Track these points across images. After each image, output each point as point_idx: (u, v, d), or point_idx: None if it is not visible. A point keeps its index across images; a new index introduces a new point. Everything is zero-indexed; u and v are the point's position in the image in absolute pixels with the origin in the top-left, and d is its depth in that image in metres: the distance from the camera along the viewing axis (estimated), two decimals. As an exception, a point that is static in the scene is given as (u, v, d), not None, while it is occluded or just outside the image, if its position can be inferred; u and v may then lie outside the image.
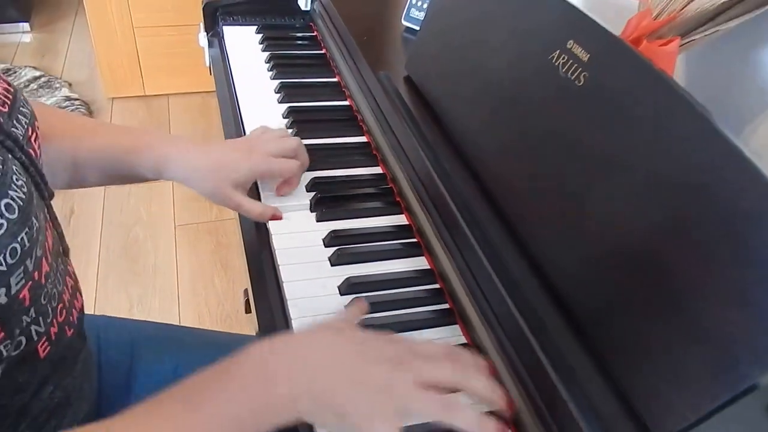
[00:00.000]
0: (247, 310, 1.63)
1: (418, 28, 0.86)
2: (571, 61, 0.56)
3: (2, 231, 0.43)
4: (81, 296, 0.60)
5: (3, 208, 0.43)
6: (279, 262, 0.66)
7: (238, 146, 0.72)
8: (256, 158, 0.70)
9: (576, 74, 0.55)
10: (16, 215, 0.44)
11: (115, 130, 0.73)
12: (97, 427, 0.43)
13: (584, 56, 0.55)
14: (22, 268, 0.45)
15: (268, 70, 0.99)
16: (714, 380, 0.40)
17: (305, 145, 0.77)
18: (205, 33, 1.11)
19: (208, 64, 1.10)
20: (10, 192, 0.44)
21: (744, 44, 0.63)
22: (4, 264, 0.43)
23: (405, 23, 0.97)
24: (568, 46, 0.56)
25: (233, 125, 0.88)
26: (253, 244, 0.71)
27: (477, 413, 0.46)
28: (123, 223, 1.92)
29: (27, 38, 2.75)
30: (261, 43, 1.06)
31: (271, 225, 0.70)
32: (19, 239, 0.44)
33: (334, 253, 0.67)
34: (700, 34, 0.58)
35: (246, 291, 1.64)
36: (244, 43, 1.06)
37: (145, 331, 0.78)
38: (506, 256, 0.57)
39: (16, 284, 0.44)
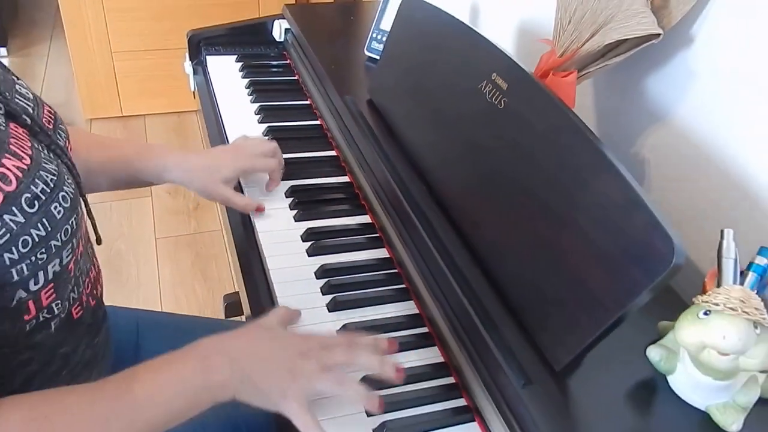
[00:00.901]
0: (227, 316, 1.75)
1: (378, 57, 1.02)
2: (494, 89, 0.72)
3: (60, 216, 0.57)
4: (101, 276, 0.73)
5: (60, 199, 0.57)
6: (265, 254, 0.80)
7: (226, 149, 0.87)
8: (241, 158, 0.85)
9: (498, 99, 0.71)
10: (68, 204, 0.58)
11: (121, 143, 0.87)
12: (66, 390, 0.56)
13: (504, 85, 0.71)
14: (71, 245, 0.59)
15: (248, 95, 1.13)
16: (588, 318, 0.55)
17: (289, 161, 0.92)
18: (190, 62, 1.24)
19: (193, 89, 1.23)
20: (65, 187, 0.58)
21: (627, 74, 0.80)
22: (60, 240, 0.57)
23: (367, 53, 1.13)
24: (492, 78, 0.72)
25: (219, 143, 1.02)
26: (242, 241, 0.85)
27: (363, 388, 0.60)
28: (106, 237, 2.01)
29: (5, 62, 2.83)
30: (241, 70, 1.20)
31: (257, 224, 0.84)
32: (70, 222, 0.58)
33: (310, 246, 0.81)
34: (593, 67, 0.75)
35: (225, 297, 1.77)
36: (225, 71, 1.20)
37: (149, 316, 0.91)
38: (447, 242, 0.72)
39: (66, 257, 0.59)
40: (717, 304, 0.50)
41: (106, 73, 2.37)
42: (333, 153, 1.01)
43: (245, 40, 1.27)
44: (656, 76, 0.79)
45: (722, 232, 0.58)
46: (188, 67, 1.25)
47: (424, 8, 0.89)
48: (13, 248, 0.53)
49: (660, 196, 0.79)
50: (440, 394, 0.66)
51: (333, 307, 0.74)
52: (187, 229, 2.08)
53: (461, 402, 0.65)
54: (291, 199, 0.90)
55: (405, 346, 0.69)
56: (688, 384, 0.56)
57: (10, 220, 0.53)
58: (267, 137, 1.01)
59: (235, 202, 0.85)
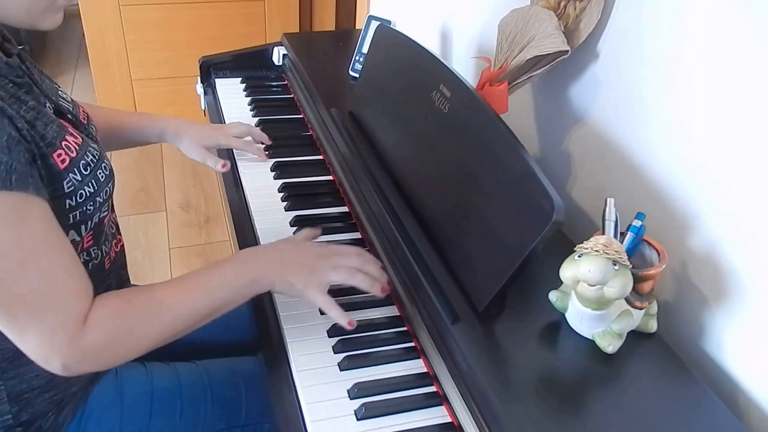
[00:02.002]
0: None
1: (358, 76, 1.20)
2: (441, 97, 0.89)
3: (102, 180, 0.77)
4: (125, 249, 0.91)
5: (103, 167, 0.78)
6: (261, 242, 0.97)
7: (212, 127, 1.16)
8: (220, 135, 1.13)
9: (444, 105, 0.89)
10: (108, 172, 0.79)
11: (130, 113, 1.12)
12: (146, 287, 0.75)
13: (448, 94, 0.88)
14: (107, 204, 0.79)
15: (251, 110, 1.32)
16: (499, 266, 0.72)
17: (282, 163, 1.13)
18: (201, 84, 1.44)
19: (203, 107, 1.43)
20: (105, 160, 0.79)
21: (553, 84, 0.98)
22: (102, 198, 0.77)
23: (351, 73, 1.31)
24: (440, 88, 0.90)
25: (225, 151, 1.21)
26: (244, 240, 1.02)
27: (369, 278, 0.80)
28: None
29: (33, 90, 3.07)
30: (245, 90, 1.39)
31: (257, 223, 1.01)
32: (108, 185, 0.79)
33: (295, 219, 0.99)
34: (522, 78, 0.92)
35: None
36: (231, 91, 1.39)
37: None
38: (402, 216, 0.89)
39: (103, 213, 0.79)
40: (586, 248, 0.67)
41: (126, 99, 2.59)
42: (320, 157, 1.19)
43: (249, 64, 1.47)
44: (574, 84, 0.96)
45: (606, 200, 0.75)
46: (199, 88, 1.44)
47: (392, 35, 1.07)
48: (74, 197, 0.73)
49: (579, 175, 0.96)
50: (395, 338, 0.82)
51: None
52: (198, 240, 2.26)
53: (411, 344, 0.82)
54: (283, 193, 1.07)
55: (369, 304, 0.86)
56: (577, 317, 0.73)
57: (73, 177, 0.73)
58: (263, 145, 1.20)
59: (209, 161, 1.11)
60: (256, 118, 1.29)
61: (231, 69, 1.45)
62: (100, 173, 0.77)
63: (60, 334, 0.67)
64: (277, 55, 1.46)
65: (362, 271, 0.81)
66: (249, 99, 1.35)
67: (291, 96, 1.39)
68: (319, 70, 1.34)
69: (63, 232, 0.70)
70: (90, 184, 0.75)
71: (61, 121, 0.77)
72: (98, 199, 0.77)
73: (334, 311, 0.77)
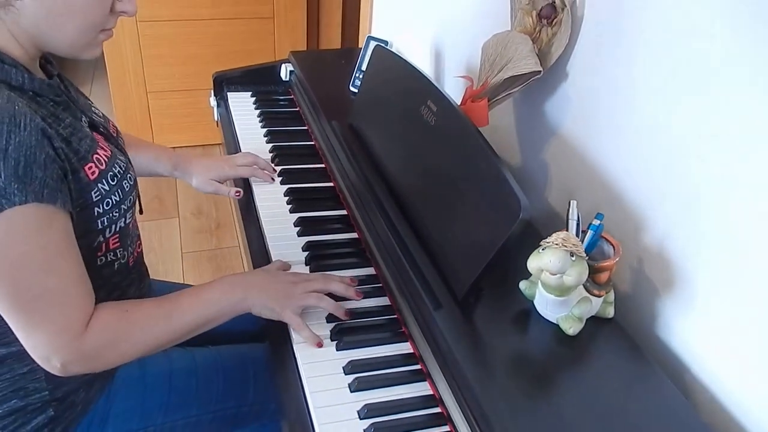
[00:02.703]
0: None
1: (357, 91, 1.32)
2: (429, 111, 1.01)
3: (127, 189, 0.87)
4: (142, 247, 1.02)
5: (128, 178, 0.88)
6: (269, 241, 1.09)
7: (219, 158, 1.24)
8: (226, 167, 1.22)
9: (431, 118, 1.00)
10: (132, 182, 0.89)
11: (149, 145, 1.22)
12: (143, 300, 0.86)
13: (434, 108, 0.99)
14: (131, 210, 0.89)
15: (259, 122, 1.44)
16: (474, 259, 0.83)
17: (287, 170, 1.23)
18: (215, 97, 1.56)
19: (216, 119, 1.55)
20: (130, 172, 0.89)
21: (530, 101, 1.09)
22: (126, 205, 0.87)
23: (351, 89, 1.43)
24: (428, 103, 1.01)
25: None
26: (257, 251, 1.12)
27: (333, 302, 0.91)
28: (139, 250, 2.33)
29: (52, 102, 3.20)
30: (254, 103, 1.51)
31: (266, 231, 1.12)
32: (132, 194, 0.89)
33: (299, 230, 1.10)
34: (501, 95, 1.03)
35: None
36: (242, 104, 1.51)
37: (177, 287, 1.20)
38: (392, 213, 1.00)
39: (128, 218, 0.89)
40: (548, 242, 0.77)
41: (141, 110, 2.72)
42: (322, 165, 1.30)
43: (258, 79, 1.59)
44: (547, 100, 1.07)
45: (569, 202, 0.85)
46: (213, 101, 1.56)
47: (388, 56, 1.19)
48: (101, 205, 0.84)
49: (552, 181, 1.07)
50: (386, 325, 0.93)
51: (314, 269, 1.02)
52: (209, 246, 2.38)
53: (400, 330, 0.92)
54: (288, 197, 1.19)
55: (365, 295, 0.97)
56: (543, 303, 0.83)
57: (101, 187, 0.83)
58: (272, 155, 1.31)
59: (222, 191, 1.21)
60: (264, 129, 1.41)
61: (242, 84, 1.57)
62: (125, 183, 0.88)
63: (64, 335, 0.77)
64: (285, 72, 1.57)
65: (327, 292, 0.92)
66: (258, 111, 1.47)
67: (297, 109, 1.50)
68: (323, 86, 1.45)
69: (76, 243, 0.79)
70: (116, 193, 0.85)
71: (94, 134, 0.88)
72: (123, 206, 0.87)
73: (304, 332, 0.88)
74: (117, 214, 0.86)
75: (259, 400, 1.05)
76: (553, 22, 0.98)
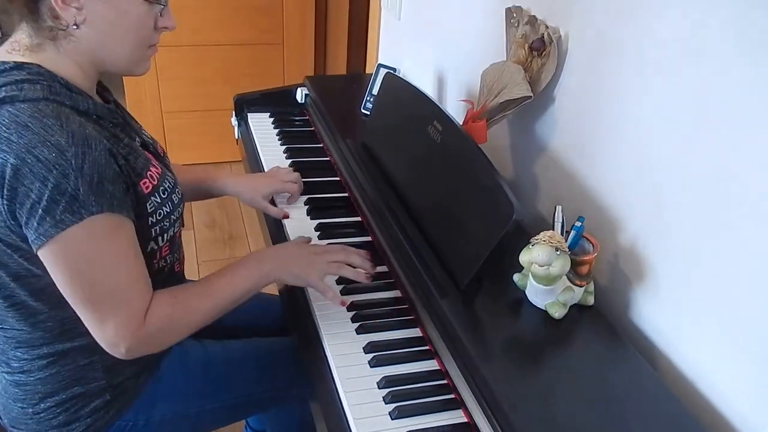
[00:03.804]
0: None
1: (369, 113, 1.47)
2: (435, 130, 1.16)
3: (176, 202, 1.01)
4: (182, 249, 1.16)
5: (177, 192, 1.02)
6: (289, 233, 1.23)
7: (265, 175, 1.35)
8: (275, 182, 1.31)
9: (437, 136, 1.15)
10: (180, 196, 1.03)
11: (197, 169, 1.32)
12: (188, 284, 1.01)
13: (440, 127, 1.15)
14: (178, 221, 1.03)
15: (278, 140, 1.59)
16: (473, 254, 0.97)
17: (306, 182, 1.37)
18: (236, 117, 1.71)
19: (237, 136, 1.70)
20: (177, 188, 1.03)
21: (523, 121, 1.24)
22: (175, 217, 1.01)
23: (363, 111, 1.59)
24: (434, 123, 1.17)
25: (257, 170, 1.47)
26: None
27: (353, 270, 1.05)
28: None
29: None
30: (273, 123, 1.66)
31: (288, 229, 1.27)
32: (180, 207, 1.03)
33: (318, 225, 1.25)
34: (498, 116, 1.19)
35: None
36: (261, 124, 1.67)
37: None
38: (401, 217, 1.15)
39: (175, 229, 1.03)
40: (537, 239, 0.92)
41: (156, 129, 2.87)
42: (337, 178, 1.45)
43: (276, 101, 1.74)
44: (537, 121, 1.23)
45: (555, 207, 1.01)
46: (234, 121, 1.71)
47: (397, 81, 1.35)
48: (155, 215, 0.97)
49: (542, 190, 1.23)
50: (398, 314, 1.07)
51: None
52: (223, 255, 2.52)
53: (411, 317, 1.07)
54: (307, 206, 1.34)
55: (378, 288, 1.11)
56: (533, 292, 0.98)
57: (154, 200, 0.96)
58: (291, 168, 1.46)
59: (270, 210, 1.31)
60: (284, 146, 1.56)
61: (261, 105, 1.73)
62: (174, 197, 1.01)
63: (130, 324, 0.89)
64: (300, 94, 1.73)
65: (348, 263, 1.05)
66: (277, 131, 1.63)
67: (312, 129, 1.66)
68: (336, 108, 1.61)
69: (139, 246, 0.92)
70: (167, 205, 0.99)
71: (146, 153, 1.01)
72: (173, 216, 1.01)
73: (328, 293, 1.02)
74: (167, 224, 1.00)
75: (283, 386, 1.18)
76: (543, 54, 1.14)
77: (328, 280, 1.07)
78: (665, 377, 0.96)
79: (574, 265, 0.96)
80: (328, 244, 1.16)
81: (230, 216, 2.71)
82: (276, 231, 1.29)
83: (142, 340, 0.92)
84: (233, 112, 1.73)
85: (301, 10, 2.86)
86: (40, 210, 0.80)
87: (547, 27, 1.13)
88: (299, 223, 1.29)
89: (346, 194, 1.40)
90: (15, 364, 0.98)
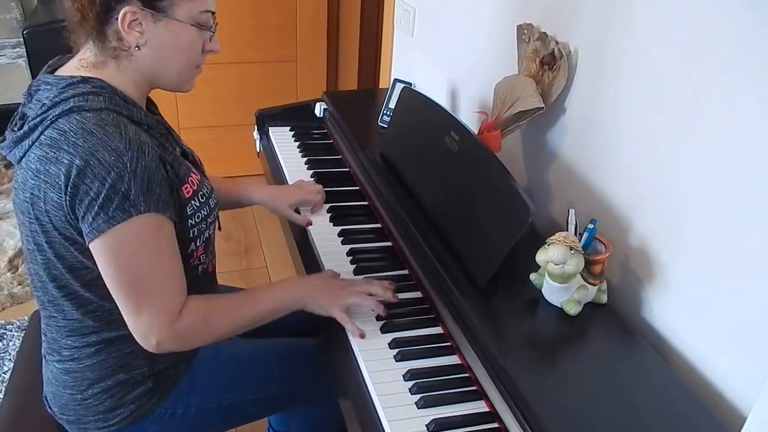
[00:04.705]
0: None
1: (387, 126, 1.54)
2: (452, 140, 1.23)
3: (212, 206, 1.08)
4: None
5: (214, 197, 1.09)
6: (318, 249, 1.29)
7: (292, 186, 1.42)
8: (301, 193, 1.39)
9: (454, 146, 1.22)
10: (216, 201, 1.10)
11: (227, 180, 1.39)
12: (222, 295, 1.07)
13: (456, 137, 1.22)
14: (214, 224, 1.10)
15: (299, 152, 1.66)
16: (492, 255, 1.03)
17: (327, 191, 1.44)
18: (257, 131, 1.78)
19: (259, 150, 1.77)
20: (213, 194, 1.10)
21: (535, 131, 1.31)
22: (211, 219, 1.08)
23: (380, 124, 1.66)
24: (451, 133, 1.23)
25: (280, 182, 1.54)
26: (309, 259, 1.34)
27: (375, 301, 1.09)
28: (174, 272, 2.53)
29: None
30: (293, 137, 1.73)
31: (313, 236, 1.33)
32: (216, 211, 1.10)
33: (344, 239, 1.31)
34: (511, 127, 1.26)
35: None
36: (282, 138, 1.74)
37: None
38: (421, 222, 1.21)
39: (211, 231, 1.10)
40: (552, 240, 0.99)
41: (173, 146, 2.95)
42: (356, 187, 1.52)
43: (295, 116, 1.81)
44: (549, 131, 1.29)
45: (569, 210, 1.07)
46: (255, 135, 1.79)
47: (414, 95, 1.42)
48: (194, 218, 1.04)
49: (554, 196, 1.29)
50: (420, 313, 1.13)
51: (357, 271, 1.22)
52: (240, 267, 2.58)
53: (432, 316, 1.13)
54: (330, 214, 1.40)
55: (402, 290, 1.17)
56: (549, 290, 1.04)
57: (193, 204, 1.04)
58: (313, 179, 1.53)
59: (295, 218, 1.38)
60: (305, 158, 1.63)
61: (282, 119, 1.80)
62: (211, 201, 1.09)
63: (164, 316, 0.96)
64: (319, 109, 1.80)
65: (370, 293, 1.10)
66: (297, 143, 1.70)
67: (330, 141, 1.73)
68: (353, 121, 1.68)
69: (178, 246, 1.00)
70: (204, 209, 1.06)
71: (185, 161, 1.09)
72: (209, 220, 1.08)
73: (348, 325, 1.08)
74: (204, 227, 1.07)
75: (308, 384, 1.24)
76: (553, 68, 1.21)
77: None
78: (675, 366, 1.01)
79: (588, 264, 1.02)
80: (356, 266, 1.24)
81: (245, 229, 2.77)
82: (301, 238, 1.36)
83: (173, 335, 0.99)
84: (255, 127, 1.80)
85: (314, 28, 2.95)
86: (96, 206, 0.89)
87: (557, 42, 1.20)
88: (323, 230, 1.35)
89: (366, 202, 1.46)
90: (66, 353, 1.05)
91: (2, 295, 2.28)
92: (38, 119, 0.92)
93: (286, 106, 1.84)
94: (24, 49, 2.87)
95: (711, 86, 0.91)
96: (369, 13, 2.85)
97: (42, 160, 0.91)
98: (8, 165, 3.10)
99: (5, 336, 2.10)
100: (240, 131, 2.83)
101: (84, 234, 0.92)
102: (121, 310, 0.97)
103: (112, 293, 0.96)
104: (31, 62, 2.87)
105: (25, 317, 2.17)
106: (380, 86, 2.29)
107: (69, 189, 0.89)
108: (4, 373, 1.97)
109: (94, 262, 0.95)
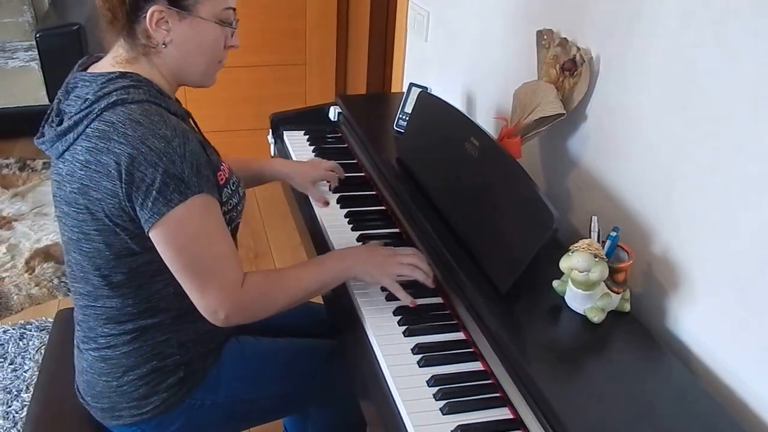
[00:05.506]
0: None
1: (402, 131, 1.55)
2: (472, 145, 1.23)
3: (242, 194, 1.11)
4: None
5: (241, 185, 1.11)
6: (333, 244, 1.29)
7: (309, 163, 1.49)
8: (319, 169, 1.45)
9: (474, 152, 1.22)
10: (243, 191, 1.12)
11: (250, 159, 1.43)
12: (278, 269, 1.10)
13: (477, 143, 1.22)
14: (241, 213, 1.12)
15: (314, 156, 1.66)
16: (516, 262, 1.03)
17: (344, 196, 1.46)
18: (272, 135, 1.78)
19: (273, 153, 1.77)
20: (241, 182, 1.11)
21: (554, 138, 1.31)
22: (241, 207, 1.10)
23: (395, 128, 1.66)
24: (471, 139, 1.23)
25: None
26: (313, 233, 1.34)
27: (423, 273, 1.13)
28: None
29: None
30: (308, 141, 1.73)
31: (330, 233, 1.34)
32: (244, 199, 1.12)
33: (359, 236, 1.31)
34: (531, 134, 1.26)
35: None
36: (297, 141, 1.74)
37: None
38: (435, 225, 1.21)
39: (239, 218, 1.12)
40: (576, 247, 0.98)
41: (183, 148, 2.95)
42: (373, 192, 1.52)
43: (309, 119, 1.81)
44: (569, 137, 1.29)
45: (591, 217, 1.07)
46: (270, 138, 1.79)
47: (432, 99, 1.42)
48: (228, 204, 1.06)
49: (574, 203, 1.29)
50: (442, 318, 1.13)
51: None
52: (248, 268, 2.57)
53: (454, 322, 1.12)
54: (347, 218, 1.40)
55: (422, 294, 1.16)
56: (572, 297, 1.03)
57: (226, 191, 1.06)
58: (328, 184, 1.53)
59: (313, 194, 1.45)
60: (320, 163, 1.63)
61: (296, 123, 1.80)
62: (240, 189, 1.12)
63: (229, 290, 1.00)
64: (333, 113, 1.80)
65: (418, 267, 1.13)
66: (312, 147, 1.70)
67: (345, 145, 1.73)
68: (367, 125, 1.68)
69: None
70: (235, 196, 1.09)
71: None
72: (239, 207, 1.11)
73: (400, 293, 1.10)
74: (235, 214, 1.10)
75: (327, 383, 1.26)
76: (574, 74, 1.21)
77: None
78: (700, 377, 1.01)
79: (611, 272, 1.02)
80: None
81: (255, 235, 2.77)
82: (319, 243, 1.36)
83: (239, 308, 1.02)
84: (269, 131, 1.80)
85: (323, 32, 2.95)
86: (154, 192, 0.93)
87: (578, 48, 1.20)
88: (342, 234, 1.35)
89: (383, 207, 1.46)
90: (102, 340, 1.08)
91: (21, 296, 2.29)
92: (82, 113, 0.96)
93: (299, 110, 1.84)
94: (36, 52, 2.88)
95: (736, 93, 0.91)
96: (378, 16, 2.85)
97: (91, 152, 0.94)
98: (22, 167, 3.10)
99: (25, 336, 2.13)
100: (250, 135, 2.84)
101: (143, 221, 0.96)
102: (186, 289, 1.00)
103: (176, 275, 0.99)
104: (44, 65, 2.88)
105: (44, 317, 2.22)
106: (391, 90, 2.29)
107: (124, 177, 0.93)
108: (25, 372, 2.01)
109: (144, 248, 0.99)
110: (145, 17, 0.97)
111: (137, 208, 0.95)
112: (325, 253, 1.16)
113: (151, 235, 0.97)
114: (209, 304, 1.00)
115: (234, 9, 1.07)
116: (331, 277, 1.11)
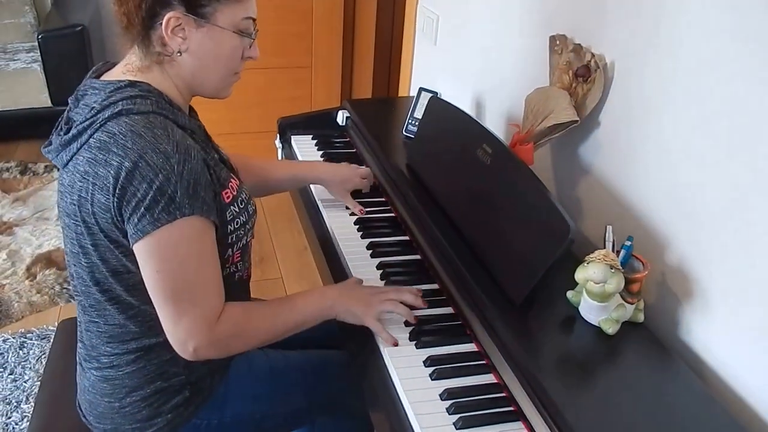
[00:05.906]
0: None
1: (412, 136, 1.53)
2: (484, 152, 1.21)
3: (251, 212, 1.08)
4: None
5: (251, 204, 1.08)
6: (348, 262, 1.28)
7: (345, 168, 1.45)
8: (355, 177, 1.43)
9: (486, 158, 1.20)
10: (254, 208, 1.09)
11: (292, 163, 1.45)
12: (257, 303, 1.06)
13: (489, 150, 1.20)
14: (251, 231, 1.09)
15: (322, 161, 1.64)
16: (530, 273, 1.02)
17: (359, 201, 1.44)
18: (280, 139, 1.77)
19: (281, 158, 1.75)
20: (251, 200, 1.09)
21: (567, 144, 1.29)
22: (249, 225, 1.07)
23: (404, 134, 1.64)
24: (483, 146, 1.22)
25: (305, 191, 1.53)
26: (337, 270, 1.33)
27: (406, 309, 1.09)
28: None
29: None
30: (316, 145, 1.72)
31: (339, 240, 1.32)
32: (254, 217, 1.09)
33: (371, 250, 1.30)
34: (544, 140, 1.24)
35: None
36: (305, 146, 1.72)
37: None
38: (446, 233, 1.19)
39: (248, 238, 1.09)
40: (592, 258, 0.97)
41: (188, 151, 2.94)
42: (382, 198, 1.50)
43: (317, 124, 1.80)
44: (582, 145, 1.28)
45: (606, 227, 1.05)
46: (278, 143, 1.77)
47: (444, 105, 1.40)
48: (233, 223, 1.04)
49: (586, 212, 1.27)
50: (453, 329, 1.11)
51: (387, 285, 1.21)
52: (255, 277, 2.52)
53: (465, 332, 1.11)
54: (356, 225, 1.39)
55: (434, 305, 1.15)
56: (587, 308, 1.02)
57: (233, 209, 1.03)
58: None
59: (351, 202, 1.42)
60: (328, 168, 1.61)
61: (303, 127, 1.79)
62: (249, 207, 1.08)
63: (203, 322, 0.96)
64: (341, 117, 1.79)
65: (401, 301, 1.10)
66: (321, 152, 1.68)
67: (353, 150, 1.71)
68: (376, 130, 1.67)
69: (218, 253, 0.99)
70: (243, 214, 1.06)
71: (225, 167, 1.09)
72: (247, 226, 1.08)
73: (382, 334, 1.07)
74: (242, 233, 1.07)
75: (338, 395, 1.24)
76: (588, 80, 1.19)
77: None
78: (713, 389, 1.00)
79: (626, 282, 1.00)
80: (385, 281, 1.23)
81: (260, 239, 2.76)
82: (328, 250, 1.34)
83: (211, 342, 0.98)
84: (277, 135, 1.79)
85: (329, 36, 2.94)
86: (142, 208, 0.90)
87: (593, 54, 1.19)
88: (351, 242, 1.34)
89: (393, 214, 1.45)
90: (104, 360, 1.05)
91: (21, 303, 2.26)
92: (87, 123, 0.94)
93: (307, 114, 1.83)
94: (38, 54, 2.87)
95: (753, 103, 0.90)
96: (384, 20, 2.84)
97: (91, 163, 0.92)
98: (23, 171, 3.09)
99: (25, 345, 2.09)
100: (256, 138, 2.82)
101: (129, 236, 0.93)
102: (159, 314, 0.97)
103: (151, 297, 0.96)
104: (46, 66, 2.87)
105: (45, 325, 2.17)
106: (398, 95, 2.28)
107: (117, 190, 0.90)
108: (25, 382, 1.97)
109: (137, 266, 0.95)
110: (161, 24, 0.95)
111: (125, 222, 0.92)
112: (308, 290, 1.13)
113: (134, 250, 0.93)
114: (180, 334, 0.96)
115: (254, 19, 1.03)
116: (311, 315, 1.09)
